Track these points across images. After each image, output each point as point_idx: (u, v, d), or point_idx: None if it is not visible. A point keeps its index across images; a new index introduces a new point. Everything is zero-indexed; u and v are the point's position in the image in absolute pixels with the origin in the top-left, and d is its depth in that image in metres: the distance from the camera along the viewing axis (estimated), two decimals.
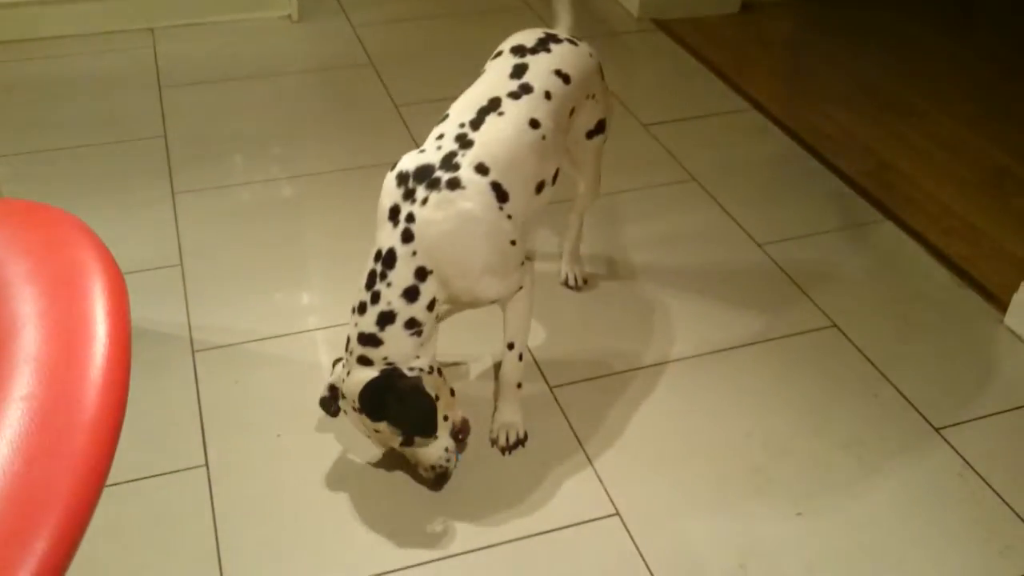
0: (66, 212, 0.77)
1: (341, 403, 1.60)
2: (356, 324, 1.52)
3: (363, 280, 1.54)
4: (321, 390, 1.64)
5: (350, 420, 1.60)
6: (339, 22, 3.41)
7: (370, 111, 2.87)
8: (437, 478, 1.64)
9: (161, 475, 1.70)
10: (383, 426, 1.55)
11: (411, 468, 1.68)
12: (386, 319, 1.50)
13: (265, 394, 1.87)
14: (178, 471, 1.71)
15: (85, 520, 0.55)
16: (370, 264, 1.53)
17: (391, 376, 1.52)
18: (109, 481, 1.70)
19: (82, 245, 0.70)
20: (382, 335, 1.51)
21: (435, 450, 1.60)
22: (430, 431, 1.57)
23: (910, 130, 2.84)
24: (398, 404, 1.51)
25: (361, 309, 1.52)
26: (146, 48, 3.19)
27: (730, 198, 2.49)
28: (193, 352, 1.96)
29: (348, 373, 1.54)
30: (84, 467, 0.55)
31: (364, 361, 1.52)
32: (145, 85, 2.96)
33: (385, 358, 1.52)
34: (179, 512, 1.63)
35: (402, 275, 1.50)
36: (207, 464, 1.72)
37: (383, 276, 1.50)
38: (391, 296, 1.50)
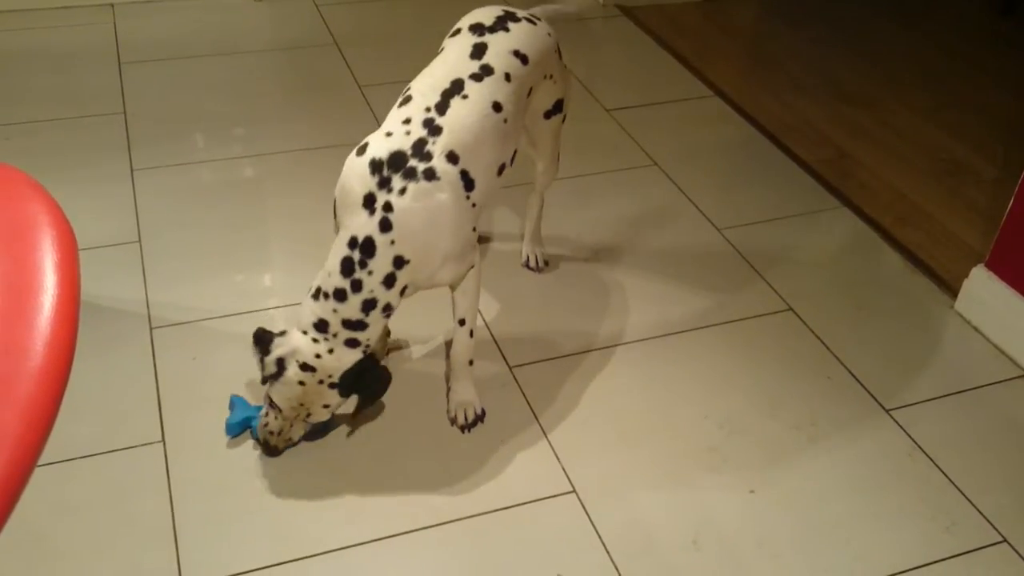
0: (15, 168, 0.76)
1: (298, 374, 1.57)
2: (336, 311, 1.56)
3: (335, 264, 1.54)
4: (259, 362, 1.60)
5: (292, 389, 1.57)
6: (303, 1, 3.39)
7: (333, 91, 2.86)
8: (285, 441, 1.68)
9: (117, 451, 1.69)
10: (335, 398, 1.62)
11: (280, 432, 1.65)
12: (369, 306, 1.56)
13: (222, 371, 1.86)
14: (135, 447, 1.70)
15: (30, 467, 0.55)
16: (343, 250, 1.54)
17: (373, 360, 1.63)
18: (65, 456, 1.69)
19: (31, 199, 0.69)
20: (368, 319, 1.57)
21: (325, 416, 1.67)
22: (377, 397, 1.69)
23: (868, 119, 2.89)
24: (373, 384, 1.65)
25: (340, 296, 1.55)
26: (106, 24, 3.14)
27: (690, 183, 2.51)
28: (151, 329, 1.95)
29: (331, 351, 1.58)
30: (31, 414, 0.55)
31: (352, 343, 1.58)
32: (105, 61, 2.93)
33: (368, 339, 1.60)
34: (135, 488, 1.63)
35: (382, 264, 1.53)
36: (164, 440, 1.71)
37: (363, 264, 1.53)
38: (372, 284, 1.54)
